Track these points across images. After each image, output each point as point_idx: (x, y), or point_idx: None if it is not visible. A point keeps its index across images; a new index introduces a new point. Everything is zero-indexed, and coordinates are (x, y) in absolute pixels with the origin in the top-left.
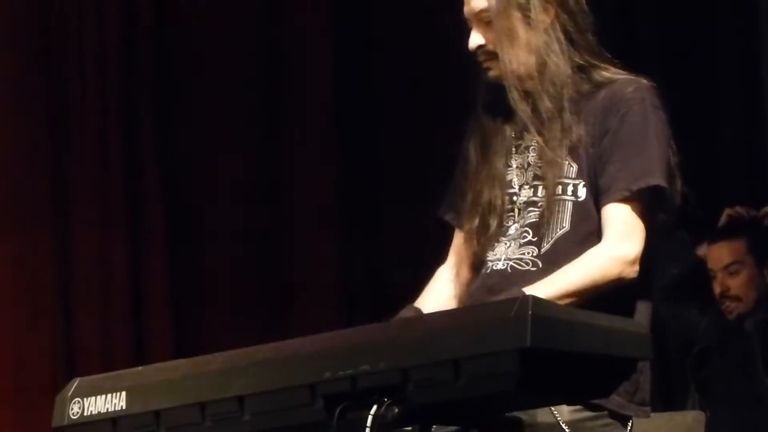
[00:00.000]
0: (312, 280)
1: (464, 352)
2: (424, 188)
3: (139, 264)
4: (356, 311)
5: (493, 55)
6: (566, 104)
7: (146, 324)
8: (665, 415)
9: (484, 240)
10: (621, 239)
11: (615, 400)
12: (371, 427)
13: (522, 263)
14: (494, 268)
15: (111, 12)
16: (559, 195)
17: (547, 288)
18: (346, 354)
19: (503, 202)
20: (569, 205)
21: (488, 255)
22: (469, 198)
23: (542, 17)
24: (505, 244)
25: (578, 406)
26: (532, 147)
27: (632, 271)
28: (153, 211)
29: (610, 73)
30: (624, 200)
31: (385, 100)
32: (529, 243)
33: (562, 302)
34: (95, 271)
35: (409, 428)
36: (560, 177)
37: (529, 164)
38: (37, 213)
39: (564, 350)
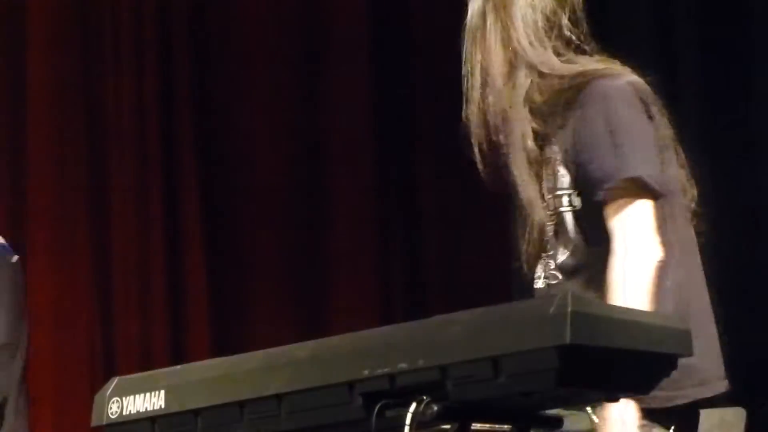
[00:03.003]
0: (350, 278)
1: (503, 349)
2: (461, 182)
3: (177, 262)
4: (393, 308)
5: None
6: (553, 117)
7: (184, 322)
8: (704, 411)
9: (531, 260)
10: (627, 235)
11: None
12: (410, 425)
13: (551, 278)
14: (535, 287)
15: (147, 8)
16: (559, 208)
17: None
18: (384, 352)
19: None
20: (570, 215)
21: (535, 273)
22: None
23: (513, 32)
24: (542, 261)
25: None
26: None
27: (654, 253)
28: (190, 209)
29: (589, 68)
30: (613, 196)
31: (425, 86)
32: (551, 257)
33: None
34: (133, 269)
35: (448, 426)
36: (558, 189)
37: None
38: (75, 212)
39: (604, 347)
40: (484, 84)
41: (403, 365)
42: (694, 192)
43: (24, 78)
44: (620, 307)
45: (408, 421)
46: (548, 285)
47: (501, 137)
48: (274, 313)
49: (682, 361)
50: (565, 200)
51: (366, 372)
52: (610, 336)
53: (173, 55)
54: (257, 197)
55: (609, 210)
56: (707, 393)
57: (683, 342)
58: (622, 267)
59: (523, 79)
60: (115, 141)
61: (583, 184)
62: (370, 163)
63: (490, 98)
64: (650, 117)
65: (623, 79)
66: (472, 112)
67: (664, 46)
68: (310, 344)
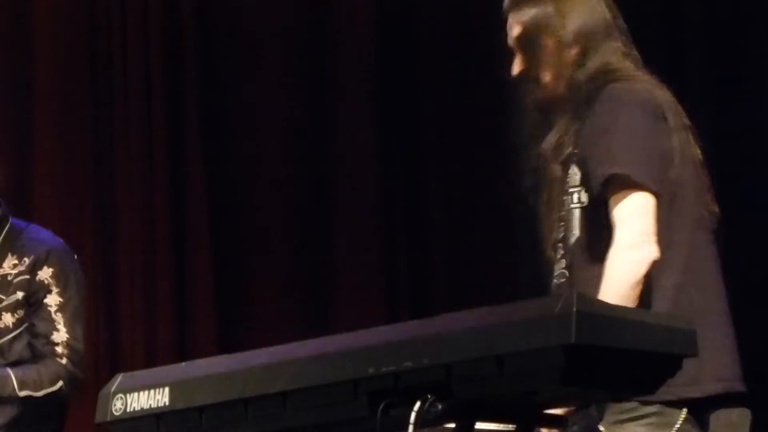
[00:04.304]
0: (355, 277)
1: (508, 348)
2: (466, 182)
3: (183, 260)
4: (399, 306)
5: (531, 80)
6: (575, 117)
7: (189, 319)
8: (713, 414)
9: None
10: (622, 229)
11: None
12: (415, 424)
13: (560, 277)
14: (555, 283)
15: (155, 5)
16: (570, 205)
17: None
18: (389, 350)
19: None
20: (577, 212)
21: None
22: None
23: (573, 38)
24: (558, 262)
25: (622, 407)
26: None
27: (650, 251)
28: (196, 207)
29: (614, 75)
30: (612, 192)
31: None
32: (563, 257)
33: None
34: (139, 266)
35: (452, 425)
36: (571, 187)
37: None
38: (81, 210)
39: (609, 346)
40: (536, 91)
41: (408, 364)
42: (717, 213)
43: (30, 75)
44: (625, 307)
45: (413, 419)
46: (558, 284)
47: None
48: (279, 312)
49: None
50: (575, 197)
51: (371, 370)
52: (615, 336)
53: (180, 54)
54: (263, 197)
55: (610, 204)
56: (696, 393)
57: (688, 342)
58: (610, 259)
59: (574, 85)
60: (121, 140)
61: (586, 180)
62: (376, 163)
63: (542, 93)
64: (662, 125)
65: (642, 85)
66: (520, 120)
67: (673, 54)
68: (315, 342)
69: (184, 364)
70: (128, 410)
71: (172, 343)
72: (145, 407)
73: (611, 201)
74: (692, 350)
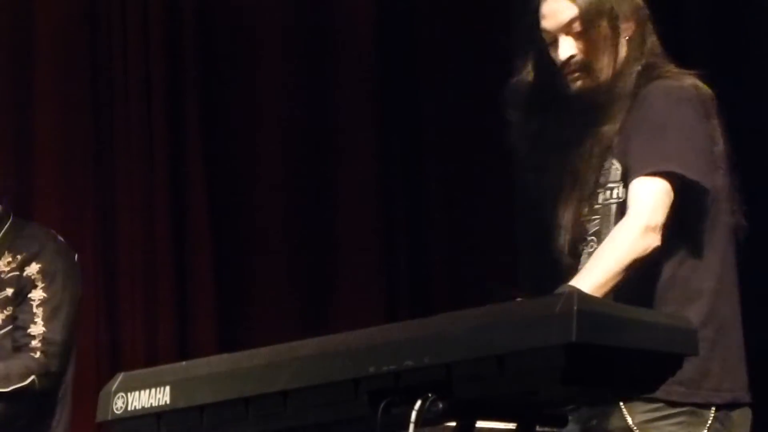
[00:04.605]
0: (355, 276)
1: (509, 347)
2: (466, 179)
3: (183, 258)
4: (399, 306)
5: (583, 66)
6: (622, 109)
7: (190, 319)
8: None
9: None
10: (641, 210)
11: (676, 391)
12: (415, 423)
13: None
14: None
15: (155, 4)
16: (607, 200)
17: (588, 278)
18: (390, 349)
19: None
20: (614, 207)
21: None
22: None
23: (626, 25)
24: (586, 254)
25: (650, 407)
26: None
27: (654, 239)
28: (197, 205)
29: (661, 72)
30: (645, 177)
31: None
32: (593, 250)
33: (607, 286)
34: (139, 265)
35: (453, 423)
36: (610, 182)
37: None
38: (82, 207)
39: (609, 345)
40: (589, 66)
41: (409, 363)
42: (745, 225)
43: (31, 73)
44: (626, 306)
45: (413, 418)
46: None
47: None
48: (280, 311)
49: (704, 363)
50: (614, 192)
51: (372, 369)
52: (616, 335)
53: (181, 53)
54: (263, 197)
55: (633, 186)
56: (717, 400)
57: (688, 341)
58: (626, 228)
59: (623, 76)
60: (122, 140)
61: (627, 175)
62: (376, 161)
63: (590, 80)
64: (708, 121)
65: (689, 81)
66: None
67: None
68: (316, 341)
69: (184, 363)
70: (129, 409)
71: (173, 343)
72: (146, 406)
73: (642, 182)
74: (693, 349)
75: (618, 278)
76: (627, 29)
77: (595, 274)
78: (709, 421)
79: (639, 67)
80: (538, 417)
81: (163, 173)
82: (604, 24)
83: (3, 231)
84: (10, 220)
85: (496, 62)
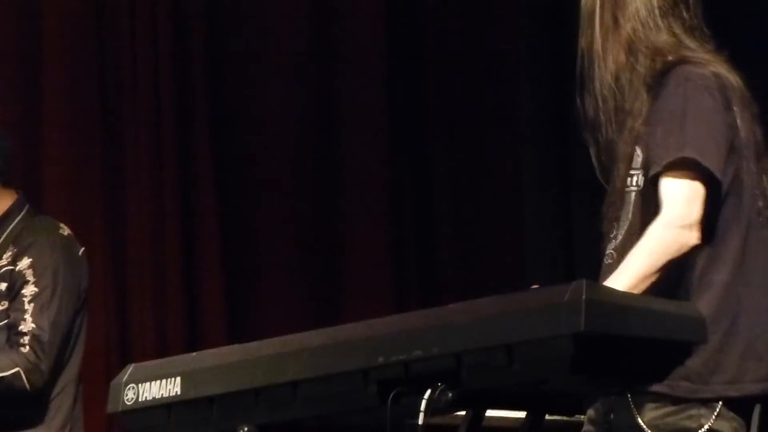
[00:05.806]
0: (364, 267)
1: (518, 337)
2: (476, 170)
3: (192, 250)
4: (408, 302)
5: (597, 56)
6: (643, 95)
7: (200, 310)
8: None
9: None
10: (674, 206)
11: (683, 386)
12: (425, 412)
13: (608, 258)
14: (605, 263)
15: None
16: (628, 187)
17: (621, 278)
18: (399, 339)
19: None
20: (633, 195)
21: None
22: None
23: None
24: (610, 241)
25: (658, 404)
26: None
27: (691, 237)
28: (205, 197)
29: (684, 56)
30: (671, 171)
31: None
32: (614, 237)
33: (641, 287)
34: (148, 257)
35: (463, 412)
36: (632, 169)
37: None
38: (91, 202)
39: (618, 334)
40: (599, 68)
41: (418, 353)
42: None
43: (39, 71)
44: (635, 295)
45: (423, 408)
46: (607, 264)
47: (615, 121)
48: (289, 302)
49: (715, 357)
50: (634, 180)
51: (381, 359)
52: (625, 324)
53: (189, 51)
54: (272, 186)
55: (662, 184)
56: (733, 393)
57: (697, 329)
58: (657, 229)
59: (640, 61)
60: (131, 134)
61: (647, 163)
62: (385, 151)
63: (605, 82)
64: (728, 111)
65: (709, 68)
66: (587, 97)
67: None
68: (325, 332)
69: (194, 354)
70: (140, 400)
71: (183, 334)
72: (156, 397)
73: (669, 178)
74: (701, 338)
75: (651, 279)
76: (632, 18)
77: (627, 276)
78: (714, 415)
79: (657, 50)
80: (548, 406)
81: (173, 167)
82: (604, 14)
83: (13, 224)
84: (22, 213)
85: (505, 59)
